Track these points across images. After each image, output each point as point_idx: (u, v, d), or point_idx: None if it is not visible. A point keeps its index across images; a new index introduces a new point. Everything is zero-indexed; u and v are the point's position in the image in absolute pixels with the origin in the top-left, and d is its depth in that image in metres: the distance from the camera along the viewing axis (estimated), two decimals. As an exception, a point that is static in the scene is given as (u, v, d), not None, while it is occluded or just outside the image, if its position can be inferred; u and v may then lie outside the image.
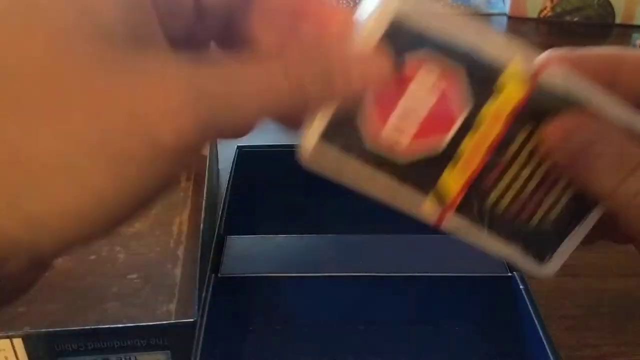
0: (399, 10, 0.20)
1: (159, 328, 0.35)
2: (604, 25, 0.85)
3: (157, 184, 0.18)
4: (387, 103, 0.21)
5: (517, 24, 0.86)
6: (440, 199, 0.22)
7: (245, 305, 0.42)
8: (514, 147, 0.21)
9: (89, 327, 0.35)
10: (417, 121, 0.21)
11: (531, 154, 0.22)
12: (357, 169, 0.21)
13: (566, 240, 0.23)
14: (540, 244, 0.23)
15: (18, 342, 0.34)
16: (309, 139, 0.21)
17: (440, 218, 0.22)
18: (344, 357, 0.41)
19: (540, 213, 0.22)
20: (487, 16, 0.89)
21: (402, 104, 0.21)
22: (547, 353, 0.35)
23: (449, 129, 0.21)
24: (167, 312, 0.36)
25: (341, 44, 0.20)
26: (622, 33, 0.83)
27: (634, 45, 0.72)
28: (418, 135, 0.21)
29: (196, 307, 0.36)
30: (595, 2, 0.85)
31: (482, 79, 0.21)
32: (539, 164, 0.22)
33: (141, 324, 0.35)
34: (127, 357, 0.36)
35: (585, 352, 0.43)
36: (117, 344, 0.35)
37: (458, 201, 0.22)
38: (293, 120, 0.21)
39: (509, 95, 0.21)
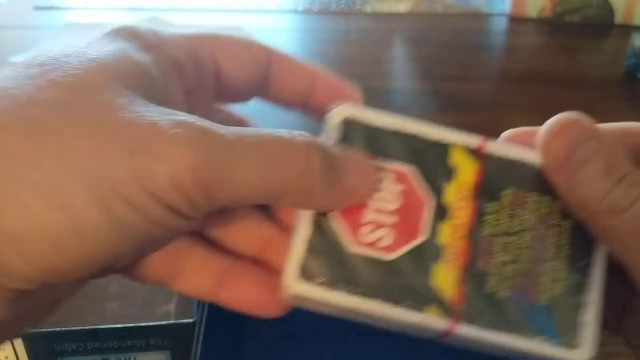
0: (349, 113, 0.22)
1: (158, 328, 0.35)
2: (603, 25, 0.85)
3: (144, 229, 0.18)
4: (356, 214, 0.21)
5: (517, 24, 0.86)
6: (441, 302, 0.21)
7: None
8: (492, 221, 0.21)
9: (88, 327, 0.35)
10: (390, 225, 0.21)
11: (511, 223, 0.21)
12: (345, 299, 0.21)
13: (586, 310, 0.21)
14: (561, 321, 0.21)
15: (18, 342, 0.34)
16: (289, 280, 0.21)
17: (450, 326, 0.21)
18: (344, 358, 0.41)
19: (544, 286, 0.21)
20: (486, 16, 0.89)
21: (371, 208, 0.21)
22: (547, 353, 0.35)
23: (420, 226, 0.21)
24: (167, 312, 0.36)
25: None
26: (621, 33, 0.83)
27: (634, 45, 0.71)
28: (395, 242, 0.21)
29: (196, 307, 0.36)
30: (594, 2, 0.85)
31: (433, 168, 0.21)
32: (521, 233, 0.21)
33: (140, 324, 0.35)
34: (127, 357, 0.36)
35: (585, 352, 0.43)
36: (116, 344, 0.35)
37: (460, 300, 0.21)
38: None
39: (465, 173, 0.21)
